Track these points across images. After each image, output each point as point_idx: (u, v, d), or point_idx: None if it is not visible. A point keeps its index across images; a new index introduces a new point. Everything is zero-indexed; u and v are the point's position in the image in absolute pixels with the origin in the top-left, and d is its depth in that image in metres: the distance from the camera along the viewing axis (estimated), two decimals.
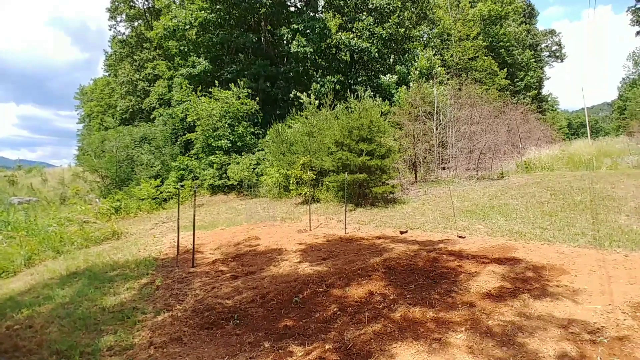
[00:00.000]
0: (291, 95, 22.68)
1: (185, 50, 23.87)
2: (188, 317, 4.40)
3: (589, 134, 32.35)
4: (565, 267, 5.32)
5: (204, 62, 22.62)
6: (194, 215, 7.12)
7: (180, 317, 4.41)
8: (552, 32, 53.28)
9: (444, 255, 6.22)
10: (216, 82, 20.90)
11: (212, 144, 19.18)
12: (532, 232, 7.57)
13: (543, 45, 52.82)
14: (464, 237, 7.58)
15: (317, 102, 17.92)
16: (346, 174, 10.97)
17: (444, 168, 17.99)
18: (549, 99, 52.09)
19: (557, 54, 53.63)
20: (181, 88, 22.86)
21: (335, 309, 4.37)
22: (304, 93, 19.40)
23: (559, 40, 53.29)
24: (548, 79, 53.48)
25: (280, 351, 3.52)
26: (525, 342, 3.39)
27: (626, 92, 49.58)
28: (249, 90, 20.52)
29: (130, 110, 31.63)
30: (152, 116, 27.37)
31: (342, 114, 16.38)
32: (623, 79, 54.47)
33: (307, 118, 17.14)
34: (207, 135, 19.37)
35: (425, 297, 4.55)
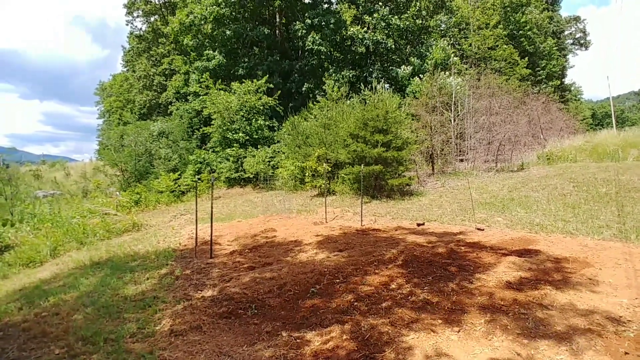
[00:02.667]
0: (304, 88, 22.62)
1: (201, 44, 24.04)
2: (207, 306, 4.48)
3: (614, 124, 31.14)
4: (589, 260, 5.17)
5: (218, 56, 22.74)
6: (212, 208, 7.21)
7: (199, 306, 4.49)
8: (577, 19, 51.22)
9: (462, 247, 6.13)
10: (231, 76, 21.03)
11: (229, 137, 19.36)
12: (554, 224, 7.38)
13: (567, 33, 50.82)
14: (483, 230, 7.45)
15: (339, 90, 17.70)
16: (362, 166, 10.89)
17: (462, 160, 17.67)
18: (572, 88, 50.19)
19: (582, 42, 51.56)
20: (199, 82, 23.09)
21: (352, 300, 4.37)
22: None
23: (584, 27, 51.18)
24: (572, 67, 51.46)
25: (297, 340, 3.55)
26: (547, 335, 3.32)
27: None
28: (265, 85, 20.55)
29: (148, 105, 32.14)
30: (169, 110, 27.76)
31: (358, 106, 16.25)
32: None
33: (322, 109, 17.07)
34: (224, 128, 19.55)
35: (443, 288, 4.49)
